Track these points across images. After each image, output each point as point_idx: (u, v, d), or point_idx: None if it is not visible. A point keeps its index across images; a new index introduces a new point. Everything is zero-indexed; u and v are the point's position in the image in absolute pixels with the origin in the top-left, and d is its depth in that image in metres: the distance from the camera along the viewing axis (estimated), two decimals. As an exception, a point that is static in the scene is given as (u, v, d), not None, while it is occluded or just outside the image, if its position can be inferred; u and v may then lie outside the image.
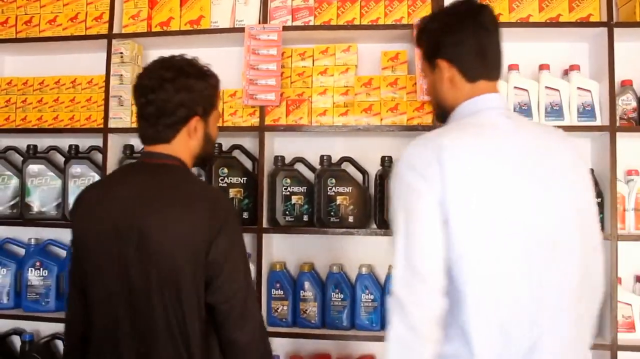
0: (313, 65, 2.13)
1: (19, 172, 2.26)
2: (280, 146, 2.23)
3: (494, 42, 1.20)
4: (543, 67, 2.02)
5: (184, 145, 1.32)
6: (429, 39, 1.25)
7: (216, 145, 2.11)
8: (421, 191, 1.07)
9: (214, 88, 1.37)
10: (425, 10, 2.03)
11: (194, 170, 1.66)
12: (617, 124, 1.93)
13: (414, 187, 1.08)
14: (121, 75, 2.14)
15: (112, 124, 2.14)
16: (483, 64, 1.19)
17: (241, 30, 2.09)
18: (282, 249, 2.21)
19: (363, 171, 2.13)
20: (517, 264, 1.07)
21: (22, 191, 2.23)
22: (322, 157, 2.10)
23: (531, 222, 1.08)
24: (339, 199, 2.05)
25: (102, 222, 1.27)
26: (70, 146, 2.25)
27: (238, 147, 2.19)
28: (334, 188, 2.05)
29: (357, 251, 2.15)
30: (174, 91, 1.27)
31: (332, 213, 2.04)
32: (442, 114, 1.27)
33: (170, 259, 1.21)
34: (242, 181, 2.10)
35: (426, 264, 1.05)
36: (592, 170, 2.00)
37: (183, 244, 1.21)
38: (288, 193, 2.08)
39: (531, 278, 1.07)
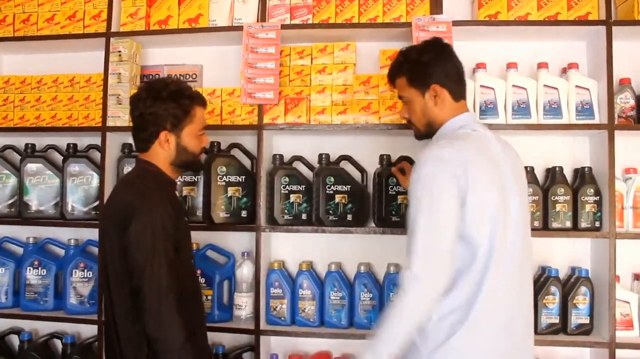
0: (311, 63, 2.13)
1: (17, 171, 2.25)
2: (279, 144, 2.23)
3: (460, 68, 1.51)
4: (541, 65, 2.02)
5: (158, 154, 1.57)
6: (421, 69, 1.48)
7: (214, 144, 2.13)
8: (449, 185, 1.29)
9: (183, 107, 1.55)
10: (424, 8, 2.03)
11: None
12: (616, 122, 1.93)
13: (441, 181, 1.30)
14: (119, 73, 2.14)
15: (110, 122, 2.13)
16: (462, 86, 1.51)
17: (239, 28, 2.09)
18: (280, 248, 2.21)
19: (362, 169, 2.13)
20: (512, 249, 1.34)
21: (20, 190, 2.22)
22: (320, 155, 2.10)
23: (517, 215, 1.37)
24: (337, 198, 2.05)
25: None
26: (68, 145, 2.25)
27: (236, 145, 2.19)
28: (332, 186, 2.05)
29: (355, 249, 2.16)
30: (144, 108, 1.53)
31: (330, 212, 2.04)
32: (427, 132, 1.51)
33: (106, 234, 1.51)
34: (240, 180, 2.10)
35: (446, 245, 1.27)
36: (590, 168, 2.00)
37: (112, 222, 1.48)
38: (287, 192, 2.08)
39: (515, 257, 1.35)
